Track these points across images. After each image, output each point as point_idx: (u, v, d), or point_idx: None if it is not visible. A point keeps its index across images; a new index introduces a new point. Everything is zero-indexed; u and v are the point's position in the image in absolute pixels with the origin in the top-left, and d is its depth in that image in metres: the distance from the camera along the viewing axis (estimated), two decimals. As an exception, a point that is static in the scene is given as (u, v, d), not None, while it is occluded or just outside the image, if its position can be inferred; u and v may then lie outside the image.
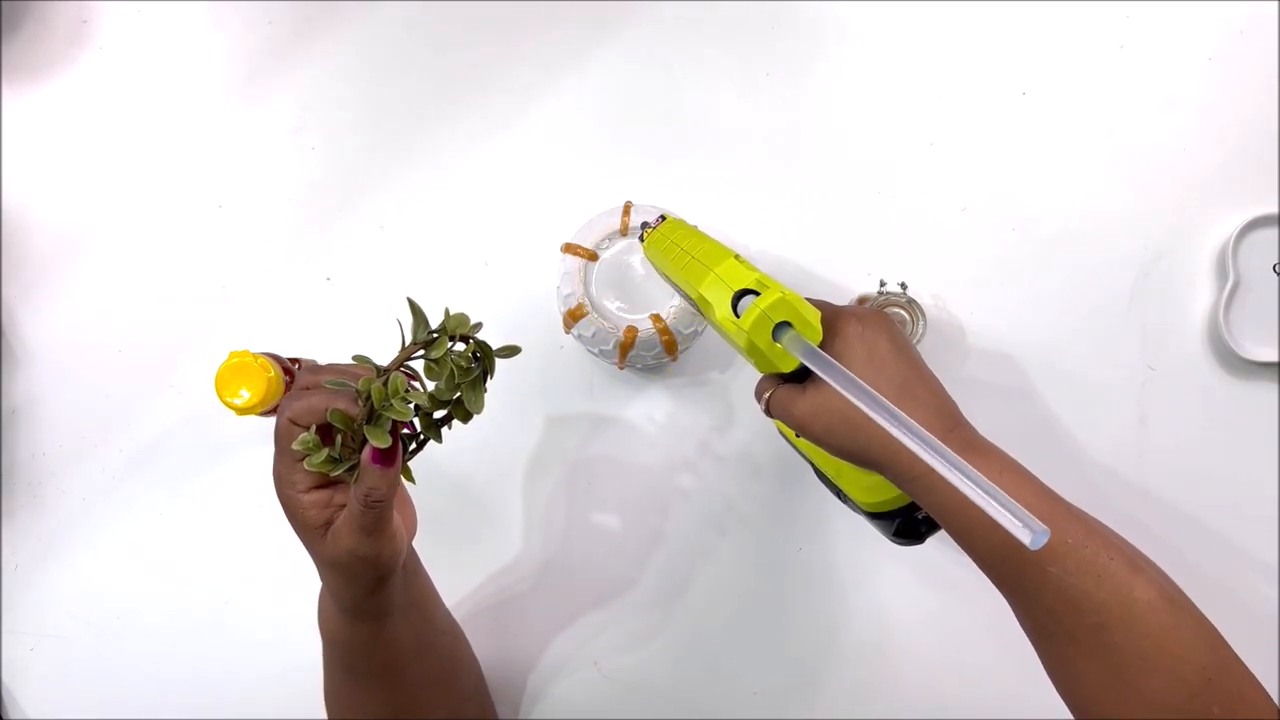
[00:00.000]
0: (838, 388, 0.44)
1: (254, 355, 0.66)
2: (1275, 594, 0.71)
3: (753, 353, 0.49)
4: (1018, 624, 0.48)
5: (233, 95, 0.79)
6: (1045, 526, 0.37)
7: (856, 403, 0.43)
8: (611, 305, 0.68)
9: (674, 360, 0.70)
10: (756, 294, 0.48)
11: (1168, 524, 0.72)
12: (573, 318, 0.68)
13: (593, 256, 0.68)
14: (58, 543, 0.77)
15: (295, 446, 0.48)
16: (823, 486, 0.64)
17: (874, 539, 0.69)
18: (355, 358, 0.50)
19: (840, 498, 0.59)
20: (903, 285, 0.68)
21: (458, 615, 0.66)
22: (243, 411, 0.66)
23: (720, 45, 0.77)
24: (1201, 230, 0.73)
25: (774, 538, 0.74)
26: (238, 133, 0.79)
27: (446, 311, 0.49)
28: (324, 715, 0.61)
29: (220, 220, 0.78)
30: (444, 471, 0.75)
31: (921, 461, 0.40)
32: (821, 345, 0.48)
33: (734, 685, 0.74)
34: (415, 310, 0.49)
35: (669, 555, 0.75)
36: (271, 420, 0.75)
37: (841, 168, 0.75)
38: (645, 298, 0.68)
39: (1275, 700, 0.44)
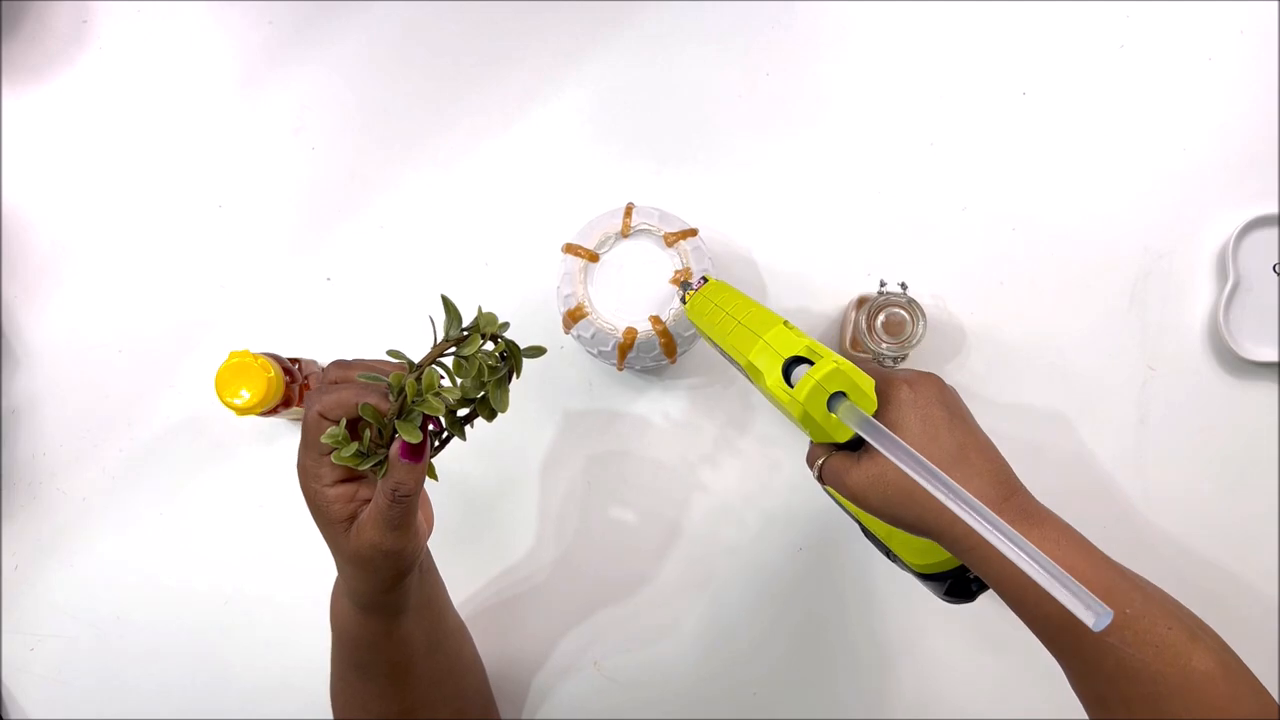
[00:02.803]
0: (894, 460, 0.44)
1: (254, 355, 0.66)
2: (1275, 594, 0.71)
3: (807, 423, 0.48)
4: (1030, 635, 0.48)
5: (233, 95, 0.79)
6: (1109, 609, 0.37)
7: (913, 475, 0.43)
8: (611, 306, 0.68)
9: (673, 362, 0.70)
10: (808, 361, 0.48)
11: (1168, 524, 0.72)
12: (572, 318, 0.68)
13: (593, 257, 0.68)
14: (58, 543, 0.77)
15: (324, 440, 0.48)
16: (861, 532, 0.62)
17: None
18: (390, 353, 0.50)
19: (889, 557, 0.59)
20: (903, 285, 0.68)
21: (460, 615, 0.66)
22: (243, 411, 0.66)
23: (720, 45, 0.76)
24: (1201, 230, 0.73)
25: (774, 538, 0.74)
26: (238, 133, 0.79)
27: (479, 309, 0.50)
28: (323, 715, 0.61)
29: (220, 220, 0.78)
30: (442, 471, 0.74)
31: (977, 533, 0.40)
32: (874, 413, 0.48)
33: (734, 685, 0.74)
34: (449, 307, 0.49)
35: (668, 555, 0.75)
36: (271, 420, 0.75)
37: (842, 167, 0.75)
38: (645, 299, 0.68)
39: None
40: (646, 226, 0.68)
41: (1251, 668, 0.45)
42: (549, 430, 0.76)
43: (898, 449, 0.44)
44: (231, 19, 0.79)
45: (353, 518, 0.50)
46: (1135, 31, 0.74)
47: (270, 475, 0.77)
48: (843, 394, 0.47)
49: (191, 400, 0.77)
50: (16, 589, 0.78)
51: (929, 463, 0.43)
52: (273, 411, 0.68)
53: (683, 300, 0.61)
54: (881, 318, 0.67)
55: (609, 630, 0.75)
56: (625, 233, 0.68)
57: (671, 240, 0.68)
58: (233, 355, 0.66)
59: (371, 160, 0.78)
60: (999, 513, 0.44)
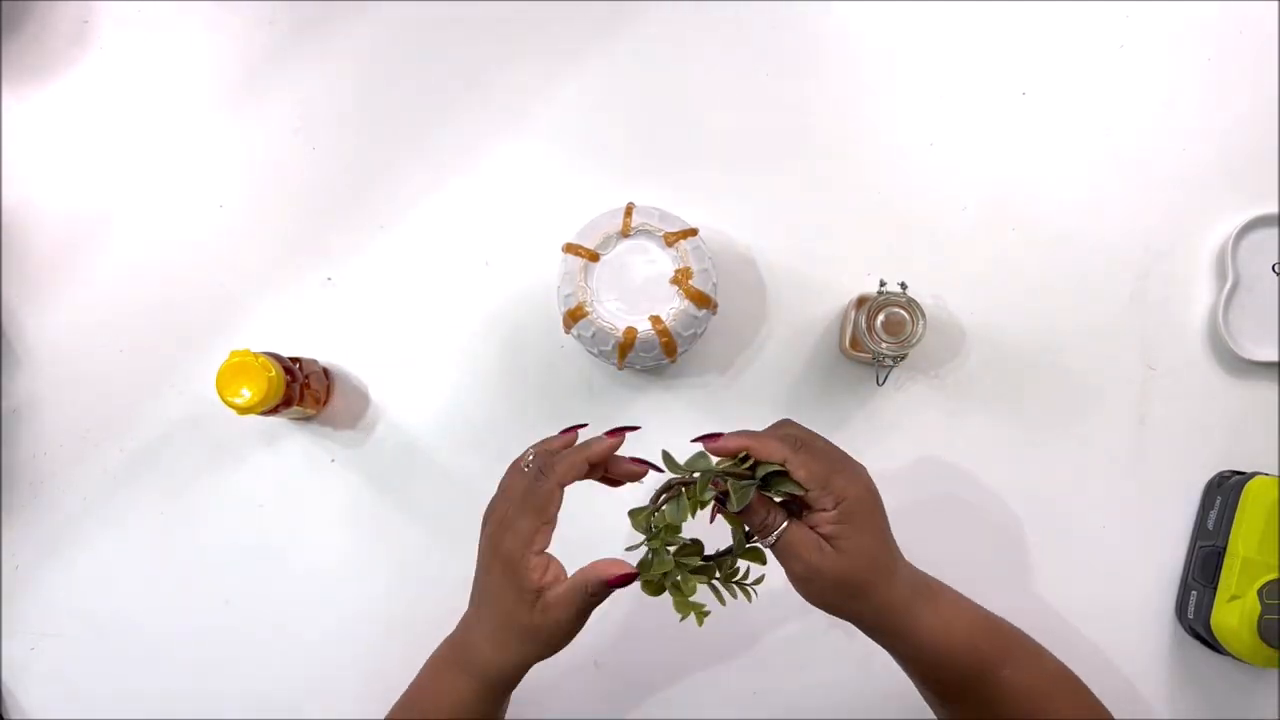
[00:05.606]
0: None
1: (254, 355, 0.66)
2: (1275, 594, 0.71)
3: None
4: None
5: (233, 95, 0.79)
6: None
7: None
8: (612, 306, 0.68)
9: (673, 362, 0.70)
10: None
11: (1168, 524, 0.72)
12: (573, 318, 0.68)
13: (594, 257, 0.68)
14: (58, 543, 0.77)
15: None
16: None
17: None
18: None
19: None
20: (903, 285, 0.68)
21: (458, 617, 0.66)
22: (243, 411, 0.66)
23: (721, 45, 0.77)
24: (1201, 230, 0.73)
25: (774, 538, 0.74)
26: (238, 133, 0.79)
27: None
28: (323, 714, 0.61)
29: (220, 220, 0.78)
30: (444, 472, 0.75)
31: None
32: None
33: (734, 685, 0.74)
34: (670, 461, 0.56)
35: (669, 555, 0.75)
36: (271, 420, 0.75)
37: (842, 168, 0.75)
38: (645, 299, 0.68)
39: None
40: (646, 226, 0.68)
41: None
42: (549, 430, 0.76)
43: None
44: (232, 19, 0.79)
45: (540, 590, 0.51)
46: (1135, 31, 0.74)
47: (271, 475, 0.77)
48: None
49: (192, 400, 0.77)
50: (16, 589, 0.78)
51: None
52: (273, 411, 0.68)
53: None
54: (881, 317, 0.67)
55: (607, 629, 0.75)
56: (625, 233, 0.68)
57: (671, 240, 0.68)
58: (233, 354, 0.66)
59: (371, 160, 0.78)
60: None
